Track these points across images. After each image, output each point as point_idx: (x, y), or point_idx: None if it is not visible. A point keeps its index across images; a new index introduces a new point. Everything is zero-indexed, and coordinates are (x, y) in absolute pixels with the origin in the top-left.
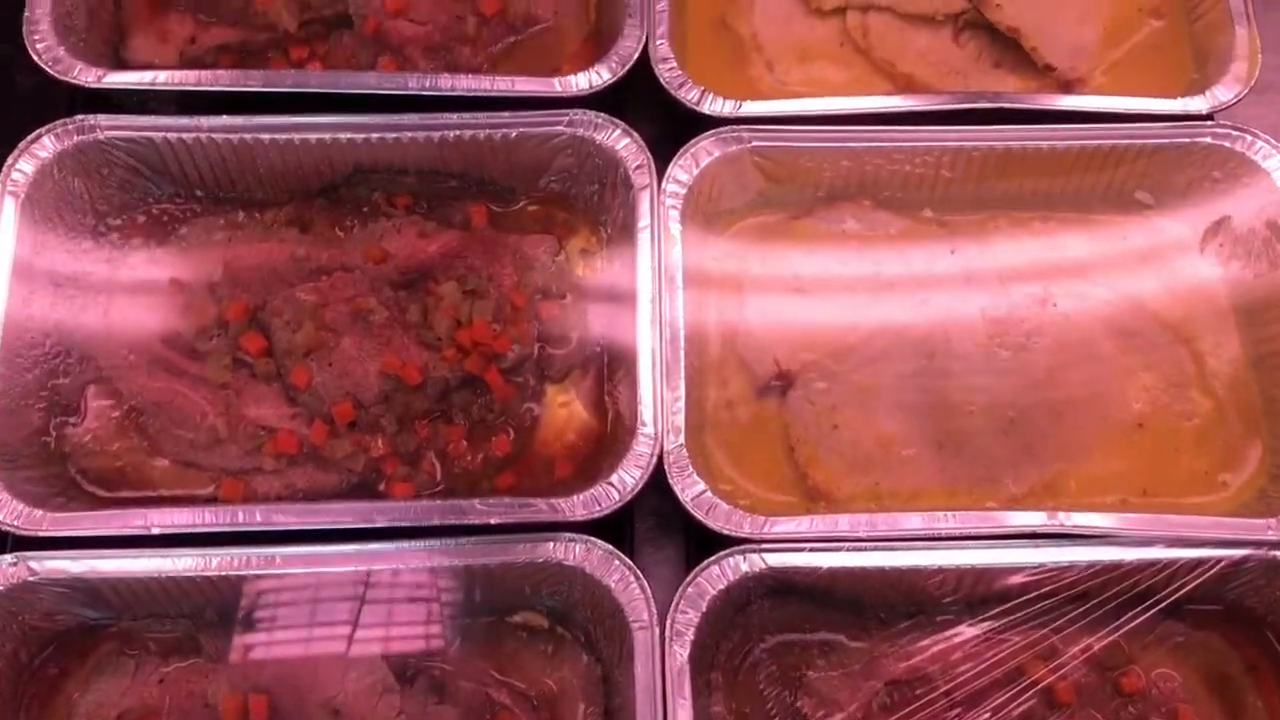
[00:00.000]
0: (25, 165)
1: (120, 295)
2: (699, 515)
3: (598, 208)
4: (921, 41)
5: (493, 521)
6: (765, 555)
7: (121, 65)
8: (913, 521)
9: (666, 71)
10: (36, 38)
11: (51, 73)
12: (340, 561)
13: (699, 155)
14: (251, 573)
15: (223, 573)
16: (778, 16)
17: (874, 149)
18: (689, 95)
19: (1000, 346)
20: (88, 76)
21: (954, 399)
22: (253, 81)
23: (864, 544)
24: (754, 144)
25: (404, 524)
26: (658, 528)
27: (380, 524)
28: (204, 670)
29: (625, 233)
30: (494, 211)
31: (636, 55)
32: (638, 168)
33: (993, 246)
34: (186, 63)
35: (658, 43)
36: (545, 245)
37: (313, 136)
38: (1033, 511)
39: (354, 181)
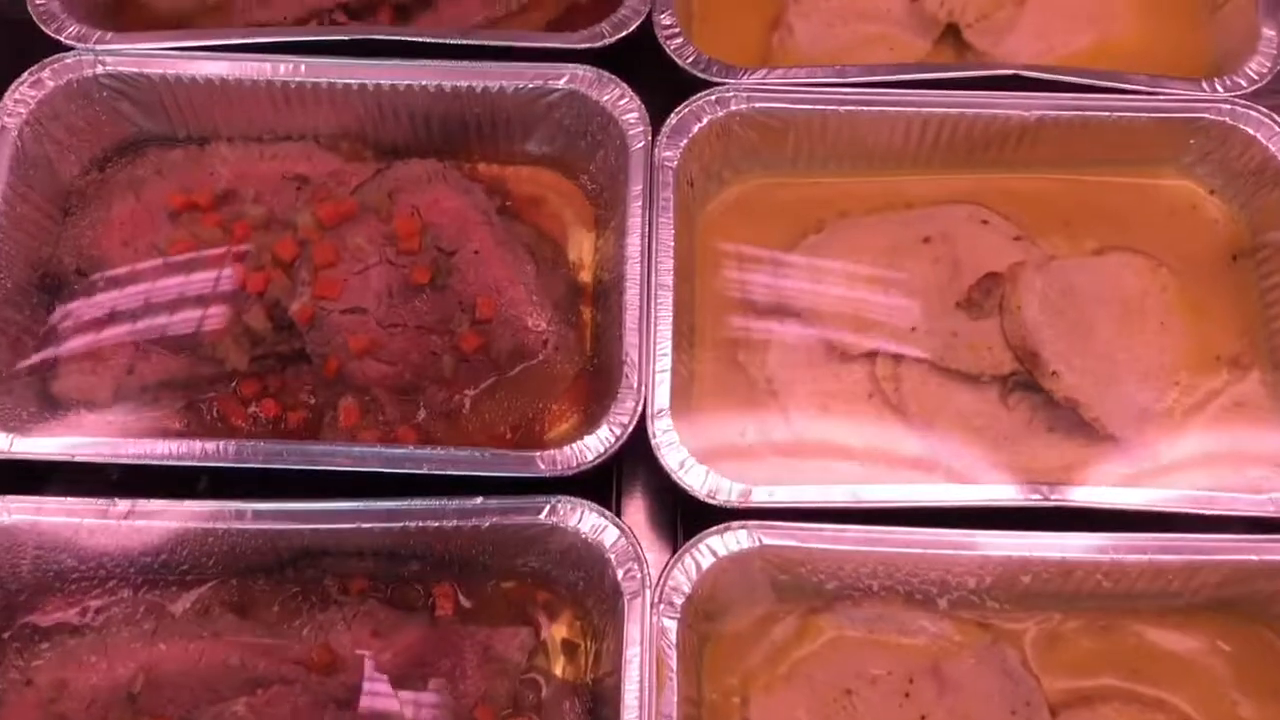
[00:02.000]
0: None
1: (24, 707)
2: None
3: (584, 597)
4: (963, 400)
5: None
6: None
7: (48, 401)
8: None
9: (665, 449)
10: None
11: None
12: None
13: (700, 557)
14: None
15: None
16: (797, 359)
17: (905, 555)
18: (690, 480)
19: None
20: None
21: None
22: (190, 455)
23: None
24: (766, 543)
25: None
26: None
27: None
28: None
29: (613, 640)
30: (463, 594)
31: (632, 427)
32: (627, 573)
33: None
34: (123, 399)
35: (656, 410)
36: (519, 641)
37: (253, 526)
38: None
39: (302, 563)
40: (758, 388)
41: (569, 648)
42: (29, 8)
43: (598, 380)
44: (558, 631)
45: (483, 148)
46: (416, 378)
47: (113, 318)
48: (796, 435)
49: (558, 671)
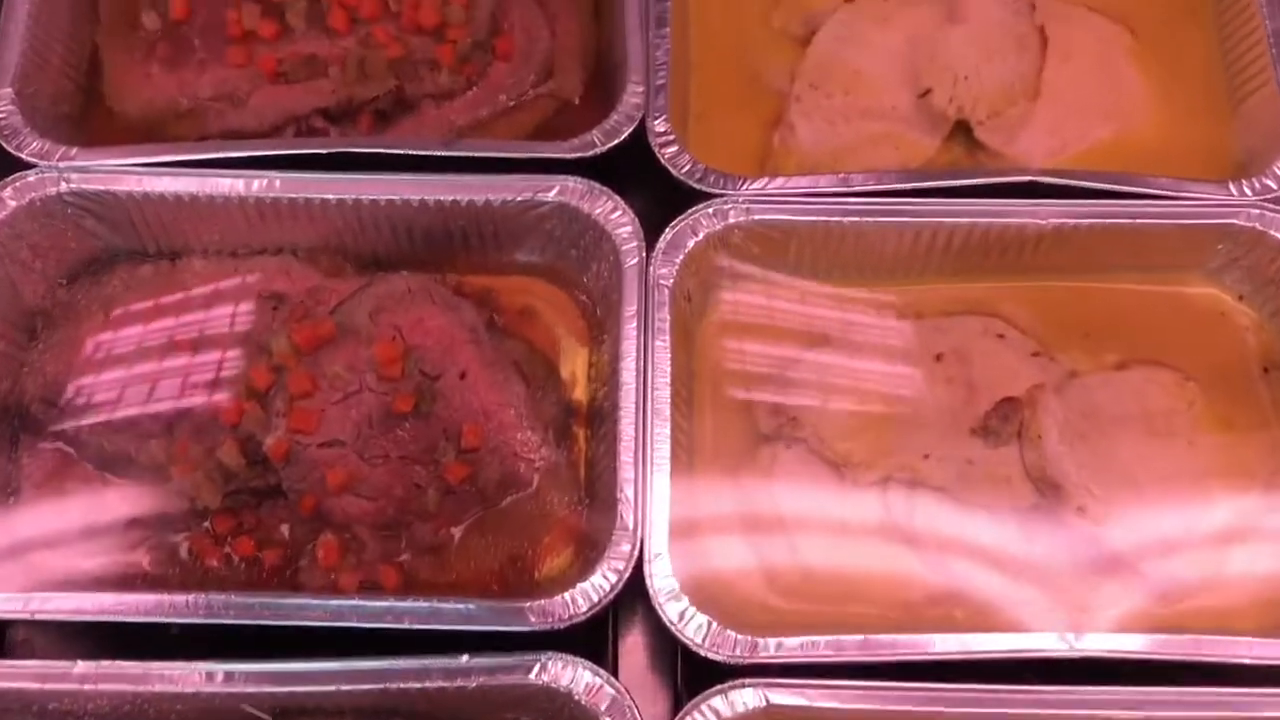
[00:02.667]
0: None
1: None
2: None
3: None
4: (981, 533)
5: None
6: None
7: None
8: None
9: (664, 597)
10: None
11: None
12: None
13: (704, 714)
14: None
15: None
16: (803, 485)
17: (929, 714)
18: (690, 633)
19: None
20: None
21: None
22: (152, 611)
23: None
24: (771, 701)
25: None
26: None
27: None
28: None
29: None
30: None
31: (628, 574)
32: None
33: None
34: (88, 535)
35: (653, 555)
36: None
37: (222, 689)
38: None
39: None
40: (763, 516)
41: None
42: None
43: (592, 510)
44: None
45: (469, 258)
46: (399, 513)
47: (78, 448)
48: (804, 569)
49: None
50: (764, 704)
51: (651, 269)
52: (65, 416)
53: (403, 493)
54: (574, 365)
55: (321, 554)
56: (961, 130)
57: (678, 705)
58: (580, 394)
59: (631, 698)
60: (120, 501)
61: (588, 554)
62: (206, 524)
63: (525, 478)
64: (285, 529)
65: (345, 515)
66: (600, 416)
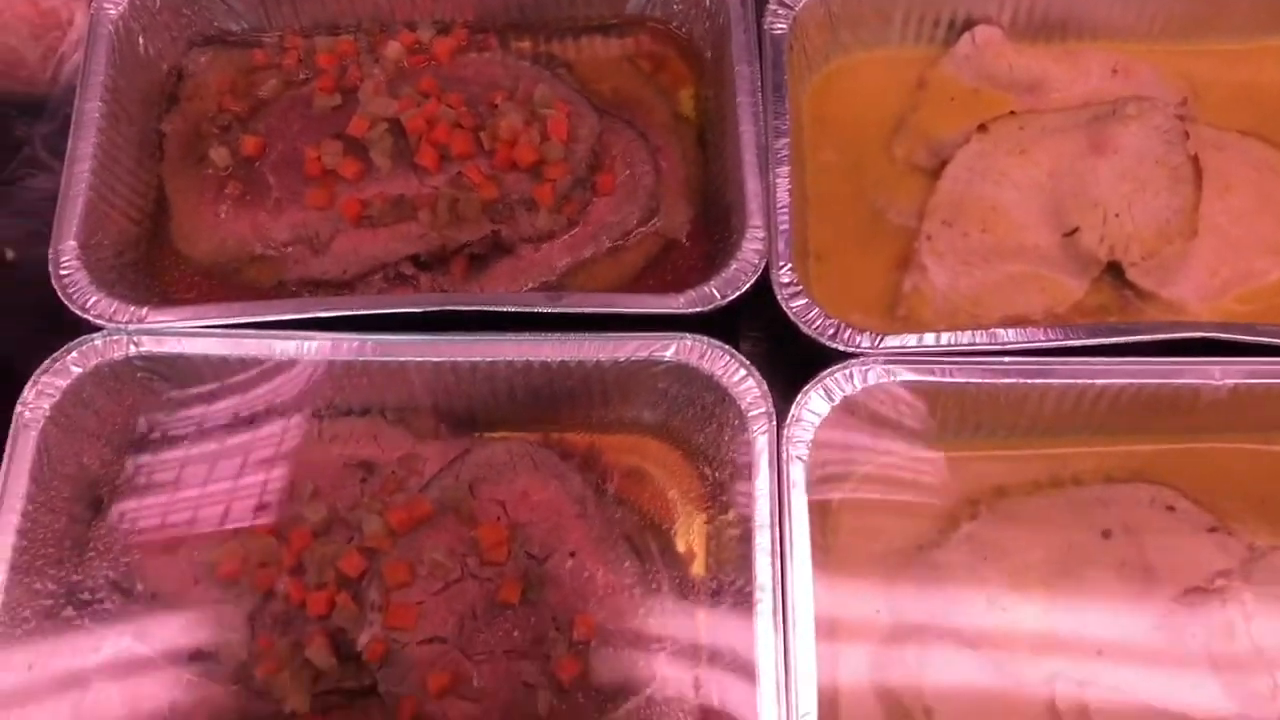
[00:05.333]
0: None
1: None
2: None
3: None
4: None
5: None
6: None
7: None
8: None
9: None
10: None
11: None
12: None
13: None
14: None
15: None
16: (957, 686)
17: None
18: None
19: None
20: None
21: None
22: None
23: None
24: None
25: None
26: None
27: None
28: None
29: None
30: None
31: None
32: None
33: None
34: None
35: None
36: None
37: None
38: None
39: None
40: (914, 711)
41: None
42: (53, 281)
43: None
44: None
45: (573, 415)
46: (506, 716)
47: (149, 644)
48: None
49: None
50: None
51: (784, 442)
52: (134, 611)
53: (509, 695)
54: (690, 538)
55: None
56: (1111, 270)
57: None
58: (699, 569)
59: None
60: (198, 704)
61: None
62: None
63: (643, 679)
64: None
65: None
66: (722, 598)
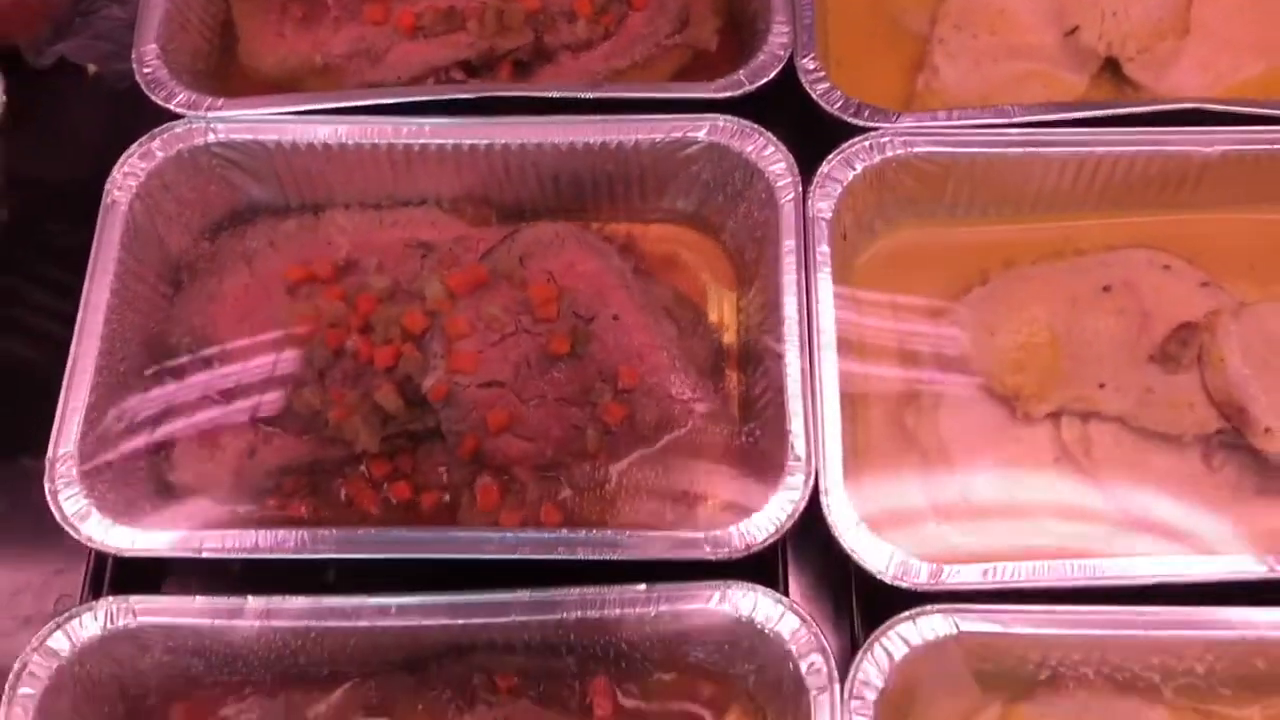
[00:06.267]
0: (39, 665)
1: None
2: None
3: (758, 693)
4: (1162, 462)
5: None
6: None
7: (165, 488)
8: None
9: (844, 535)
10: (59, 485)
11: (74, 535)
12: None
13: (891, 647)
14: None
15: None
16: (970, 422)
17: (1119, 638)
18: (870, 561)
19: None
20: (118, 540)
21: None
22: (324, 546)
23: None
24: (962, 628)
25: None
26: None
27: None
28: None
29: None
30: (621, 692)
31: (802, 506)
32: (811, 667)
33: None
34: (243, 486)
35: (827, 487)
36: None
37: (397, 623)
38: None
39: (448, 659)
40: (930, 456)
41: None
42: (137, 76)
43: (750, 451)
44: None
45: (613, 206)
46: (558, 454)
47: (230, 399)
48: (977, 507)
49: None
50: (954, 630)
51: (809, 204)
52: (212, 369)
53: (561, 434)
54: (721, 310)
55: (480, 496)
56: (1109, 67)
57: (853, 638)
58: (730, 337)
59: (817, 626)
60: (274, 450)
61: (756, 489)
62: (363, 469)
63: (681, 418)
64: (442, 472)
65: (505, 456)
66: (753, 358)
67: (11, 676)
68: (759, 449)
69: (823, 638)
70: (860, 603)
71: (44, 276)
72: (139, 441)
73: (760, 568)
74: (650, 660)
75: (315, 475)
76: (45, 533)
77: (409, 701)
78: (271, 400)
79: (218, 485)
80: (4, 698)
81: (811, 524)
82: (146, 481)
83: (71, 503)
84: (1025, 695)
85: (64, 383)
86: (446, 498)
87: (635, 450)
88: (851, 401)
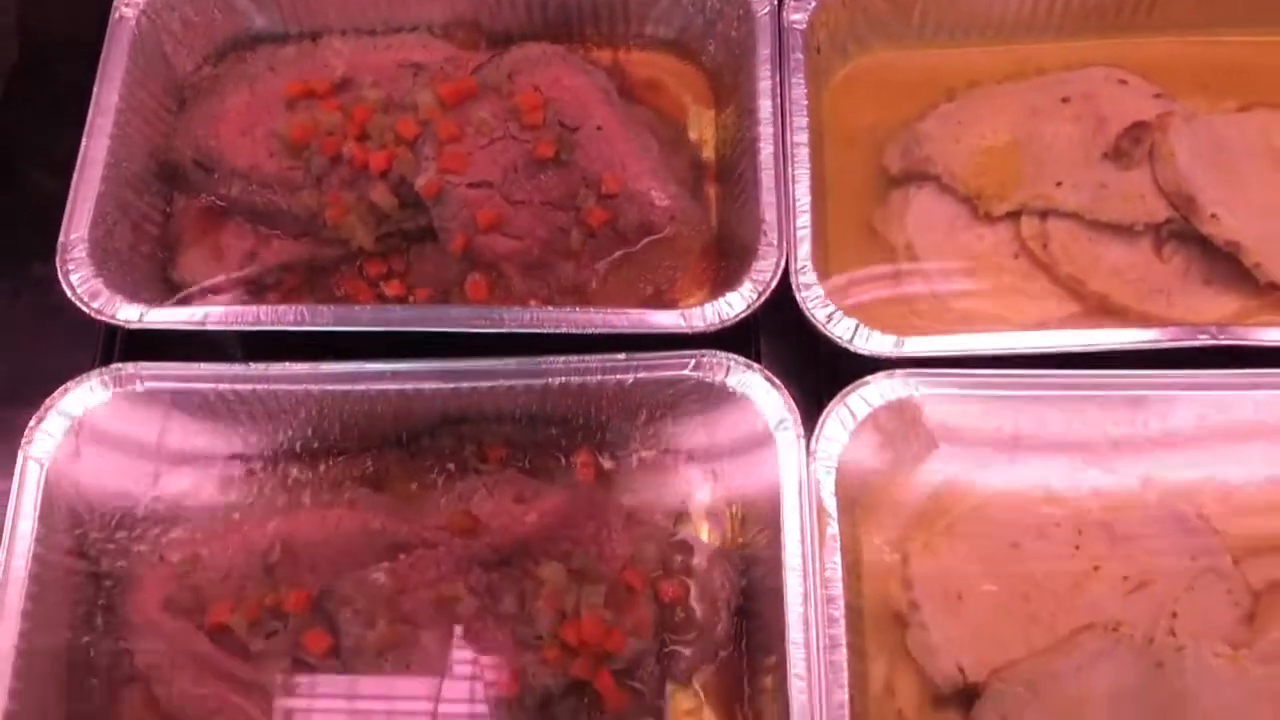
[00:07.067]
0: (52, 426)
1: (161, 571)
2: None
3: (729, 461)
4: (1116, 254)
5: None
6: None
7: (170, 287)
8: None
9: (811, 303)
10: (71, 266)
11: (88, 311)
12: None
13: (855, 407)
14: None
15: None
16: (936, 222)
17: (1072, 397)
18: (839, 331)
19: (1249, 657)
20: (128, 314)
21: None
22: (321, 319)
23: None
24: (922, 391)
25: None
26: None
27: None
28: None
29: (764, 494)
30: (604, 462)
31: (774, 282)
32: (780, 423)
33: (1238, 522)
34: (245, 283)
35: (799, 265)
36: (663, 506)
37: (392, 387)
38: None
39: (439, 431)
40: (897, 254)
41: (714, 516)
42: None
43: (726, 254)
44: (702, 499)
45: (597, 31)
46: (544, 253)
47: (233, 205)
48: (941, 300)
49: (703, 538)
50: (914, 393)
51: (784, 15)
52: (217, 176)
53: (546, 234)
54: (701, 129)
55: (470, 291)
56: None
57: (820, 404)
58: (709, 153)
59: (785, 391)
60: (274, 251)
61: (729, 279)
62: (358, 266)
63: (660, 222)
64: (433, 271)
65: (493, 253)
66: (732, 168)
67: (25, 434)
68: (728, 251)
69: (790, 399)
70: (826, 372)
71: (53, 110)
72: (145, 239)
73: (734, 344)
74: (629, 436)
75: (313, 274)
76: (60, 310)
77: (402, 473)
78: (271, 204)
79: (219, 283)
80: (18, 457)
81: (783, 306)
82: (151, 278)
83: (82, 282)
84: (984, 461)
85: (74, 175)
86: (438, 295)
87: (616, 251)
88: (824, 199)
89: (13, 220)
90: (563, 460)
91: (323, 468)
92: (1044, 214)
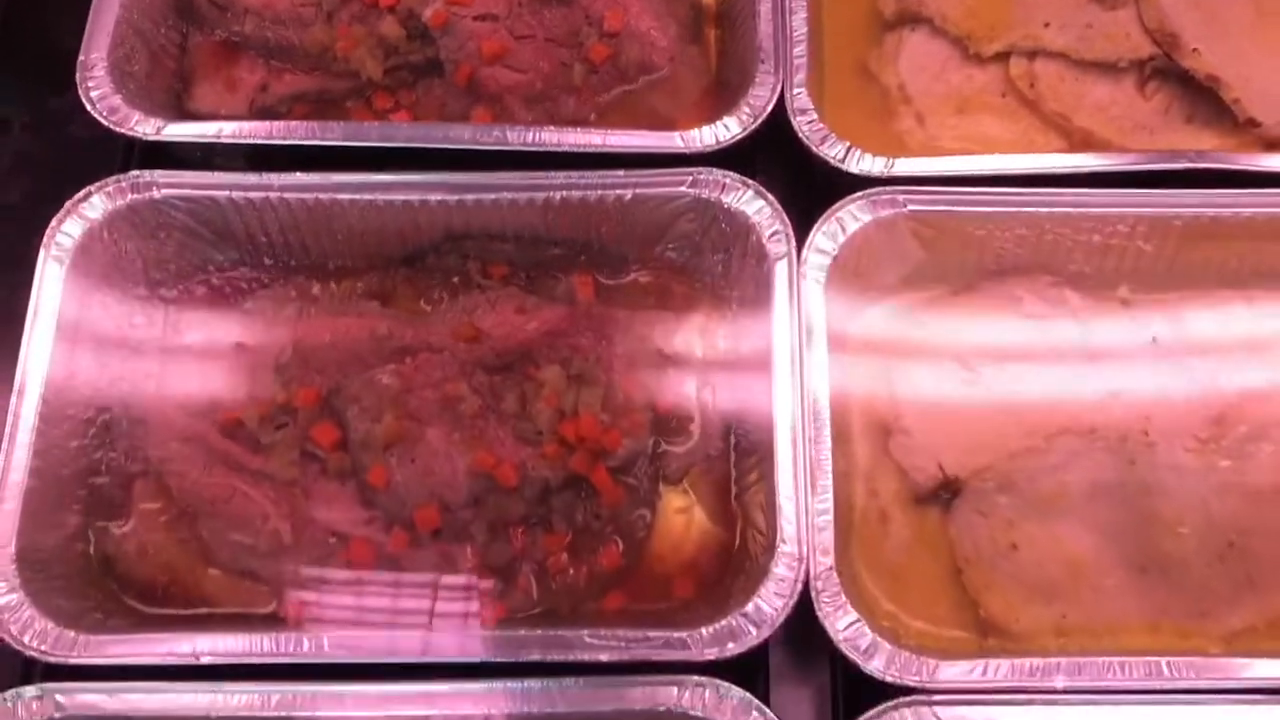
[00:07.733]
0: (72, 227)
1: (173, 377)
2: (855, 657)
3: (723, 280)
4: (1100, 92)
5: (603, 659)
6: (937, 709)
7: (184, 116)
8: (1120, 671)
9: (806, 125)
10: (91, 84)
11: (106, 123)
12: (420, 702)
13: (845, 221)
14: (318, 715)
15: (283, 712)
16: (928, 64)
17: (1056, 215)
18: (832, 152)
19: (1217, 453)
20: (145, 128)
21: (1160, 515)
22: (331, 134)
23: (1061, 697)
24: (910, 208)
25: (498, 660)
26: (795, 662)
27: (472, 658)
28: None
29: (756, 309)
30: (602, 283)
31: (770, 106)
32: (773, 235)
33: (1202, 331)
34: (257, 113)
35: (795, 92)
36: (661, 322)
37: (399, 198)
38: (1275, 660)
39: (444, 249)
40: (890, 95)
41: (706, 333)
42: None
43: (726, 95)
44: (694, 322)
45: None
46: (546, 87)
47: (246, 40)
48: (931, 137)
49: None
50: (904, 209)
51: None
52: (230, 14)
53: (549, 68)
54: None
55: (475, 122)
56: None
57: (813, 226)
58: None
59: (780, 207)
60: (286, 84)
61: (729, 106)
62: (366, 98)
63: (660, 62)
64: (439, 104)
65: (497, 85)
66: (730, 12)
67: (46, 236)
68: (728, 92)
69: (783, 213)
70: (820, 194)
71: None
72: (161, 70)
73: (731, 167)
74: (627, 258)
75: (323, 106)
76: (79, 137)
77: (409, 290)
78: (283, 40)
79: (232, 113)
80: (40, 256)
81: (780, 136)
82: (166, 107)
83: (101, 99)
84: (971, 286)
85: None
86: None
87: (617, 88)
88: (820, 39)
89: (35, 52)
90: (562, 279)
91: (332, 284)
92: (1032, 54)
